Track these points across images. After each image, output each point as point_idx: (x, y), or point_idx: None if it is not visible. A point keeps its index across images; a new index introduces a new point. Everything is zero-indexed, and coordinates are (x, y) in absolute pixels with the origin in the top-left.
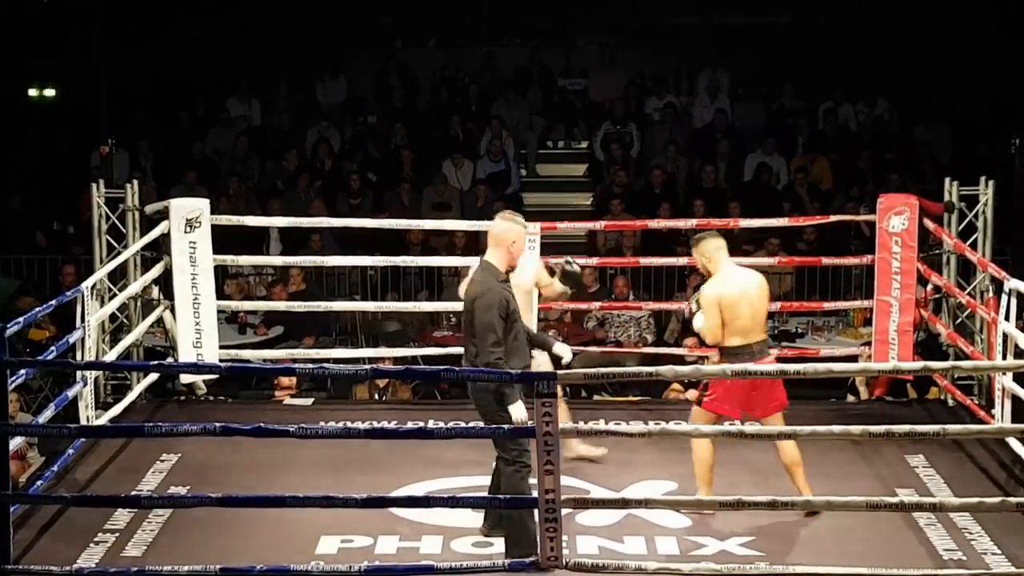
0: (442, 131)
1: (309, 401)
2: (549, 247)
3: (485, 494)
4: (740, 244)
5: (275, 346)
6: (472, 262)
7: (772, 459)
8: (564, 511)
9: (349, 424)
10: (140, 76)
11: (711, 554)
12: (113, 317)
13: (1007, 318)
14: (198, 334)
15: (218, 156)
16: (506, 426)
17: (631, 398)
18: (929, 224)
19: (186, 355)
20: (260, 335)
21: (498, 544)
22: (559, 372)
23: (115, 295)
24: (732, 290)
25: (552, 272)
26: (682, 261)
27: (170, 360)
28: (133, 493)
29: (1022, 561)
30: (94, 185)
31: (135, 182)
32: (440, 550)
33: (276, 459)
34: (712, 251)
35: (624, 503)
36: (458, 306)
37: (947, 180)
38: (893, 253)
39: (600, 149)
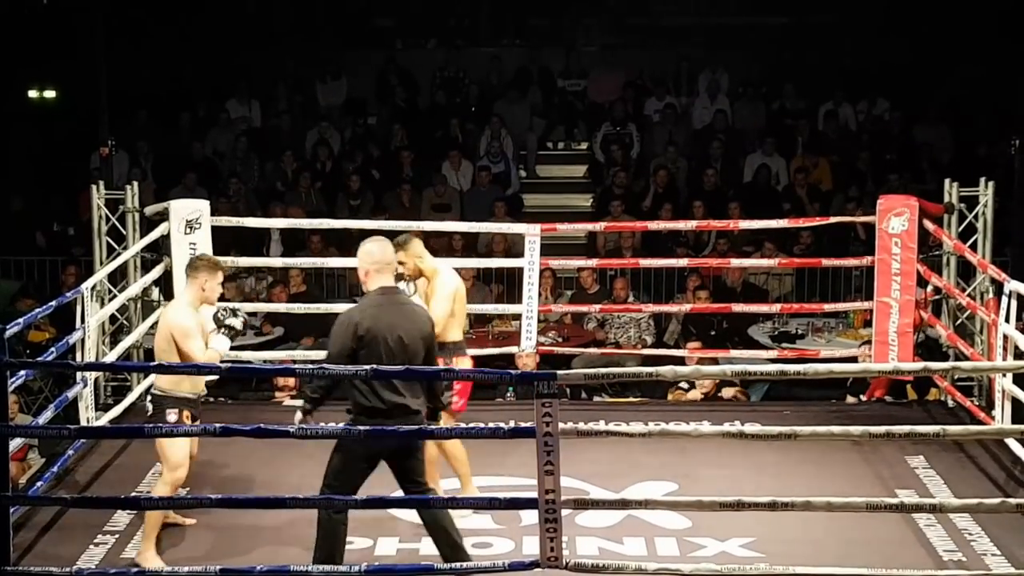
0: (442, 132)
1: None
2: (549, 248)
3: (484, 495)
4: (740, 245)
5: (275, 347)
6: (472, 263)
7: (773, 460)
8: (564, 512)
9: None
10: (140, 77)
11: (711, 555)
12: (113, 318)
13: (1007, 319)
14: None
15: (218, 157)
16: (506, 427)
17: (631, 399)
18: (929, 225)
19: None
20: (262, 335)
21: (498, 544)
22: (559, 372)
23: (115, 296)
24: (462, 286)
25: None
26: (682, 262)
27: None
28: (133, 494)
29: (1022, 562)
30: (94, 186)
31: (135, 183)
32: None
33: (276, 460)
34: (422, 250)
35: (624, 504)
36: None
37: (947, 181)
38: (893, 254)
39: (600, 150)
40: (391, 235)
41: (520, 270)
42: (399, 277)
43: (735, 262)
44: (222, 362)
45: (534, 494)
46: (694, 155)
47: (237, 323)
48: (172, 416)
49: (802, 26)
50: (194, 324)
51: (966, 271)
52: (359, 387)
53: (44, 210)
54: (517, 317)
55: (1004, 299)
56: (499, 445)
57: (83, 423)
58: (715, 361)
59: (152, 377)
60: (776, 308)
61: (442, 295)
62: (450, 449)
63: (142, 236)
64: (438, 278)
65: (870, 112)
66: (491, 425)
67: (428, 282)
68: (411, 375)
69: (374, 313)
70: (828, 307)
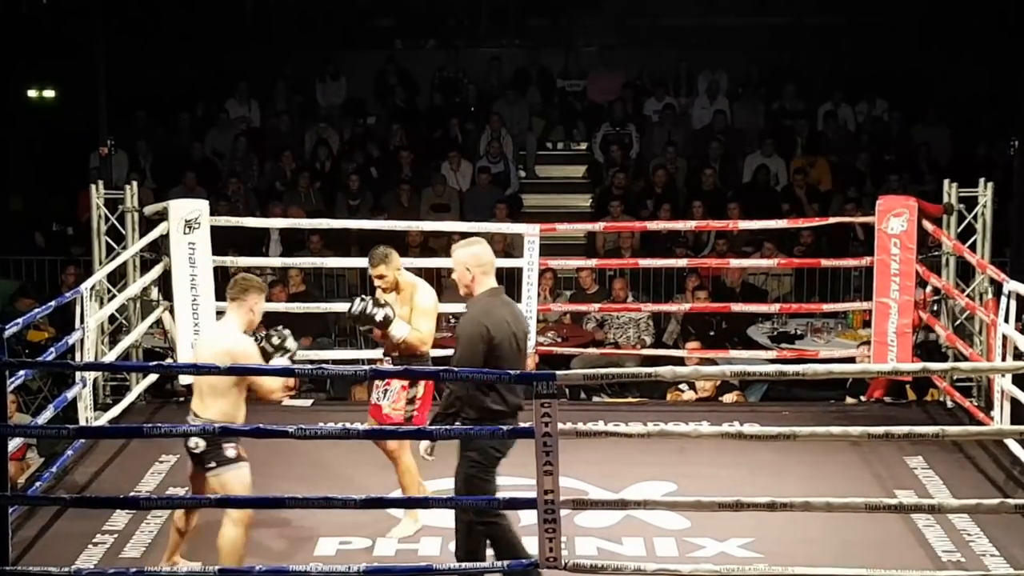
0: (441, 132)
1: (308, 402)
2: (548, 248)
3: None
4: (739, 246)
5: None
6: None
7: (771, 460)
8: (563, 512)
9: (348, 425)
10: (139, 77)
11: (710, 555)
12: (112, 318)
13: (1006, 320)
14: (197, 335)
15: (217, 157)
16: (505, 428)
17: (630, 399)
18: (928, 226)
19: (185, 356)
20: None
21: None
22: (559, 373)
23: (114, 296)
24: (437, 302)
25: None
26: (681, 263)
27: (169, 361)
28: (132, 494)
29: (1021, 562)
30: (93, 186)
31: (134, 183)
32: (439, 551)
33: (274, 460)
34: (400, 263)
35: (623, 504)
36: (457, 307)
37: (946, 182)
38: (892, 255)
39: (599, 150)
40: (391, 235)
41: (519, 270)
42: (374, 291)
43: (734, 262)
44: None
45: (533, 494)
46: (693, 155)
47: (292, 344)
48: (231, 451)
49: (801, 27)
50: (257, 351)
51: (965, 272)
52: (488, 393)
53: (43, 210)
54: None
55: (1003, 300)
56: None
57: (82, 423)
58: (714, 362)
59: (206, 413)
60: (775, 308)
61: (427, 310)
62: (406, 461)
63: (141, 236)
64: (418, 293)
65: (869, 113)
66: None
67: (400, 294)
68: (410, 375)
69: (497, 315)
70: (827, 307)
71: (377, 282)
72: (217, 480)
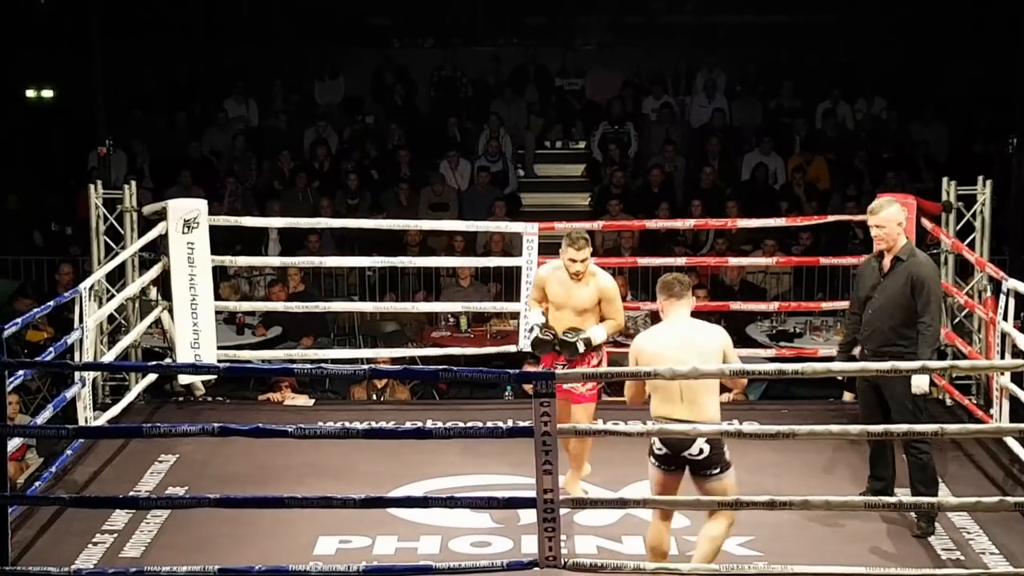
0: (439, 131)
1: (311, 401)
2: (547, 247)
3: (482, 495)
4: (738, 244)
5: (274, 347)
6: (470, 262)
7: (771, 459)
8: (562, 511)
9: (347, 424)
10: (137, 76)
11: None
12: (111, 318)
13: (1005, 318)
14: (196, 335)
15: (215, 156)
16: (504, 426)
17: None
18: (927, 223)
19: (184, 356)
20: (259, 336)
21: (496, 544)
22: (558, 372)
23: (113, 296)
24: None
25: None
26: (680, 261)
27: (168, 361)
28: (131, 494)
29: (1020, 560)
30: (92, 186)
31: (132, 183)
32: (438, 550)
33: (274, 459)
34: None
35: (622, 503)
36: (454, 306)
37: (944, 179)
38: None
39: (598, 149)
40: (389, 233)
41: (518, 269)
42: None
43: (733, 261)
44: (220, 362)
45: (532, 493)
46: (692, 154)
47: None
48: (728, 454)
49: (799, 25)
50: None
51: (964, 269)
52: None
53: (42, 209)
54: (515, 316)
55: (1002, 297)
56: (498, 444)
57: (81, 423)
58: None
59: (704, 415)
60: (774, 307)
61: (616, 294)
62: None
63: (140, 236)
64: (602, 277)
65: (867, 111)
66: (489, 424)
67: (581, 279)
68: (408, 375)
69: None
70: (826, 305)
71: (577, 266)
72: (721, 484)
